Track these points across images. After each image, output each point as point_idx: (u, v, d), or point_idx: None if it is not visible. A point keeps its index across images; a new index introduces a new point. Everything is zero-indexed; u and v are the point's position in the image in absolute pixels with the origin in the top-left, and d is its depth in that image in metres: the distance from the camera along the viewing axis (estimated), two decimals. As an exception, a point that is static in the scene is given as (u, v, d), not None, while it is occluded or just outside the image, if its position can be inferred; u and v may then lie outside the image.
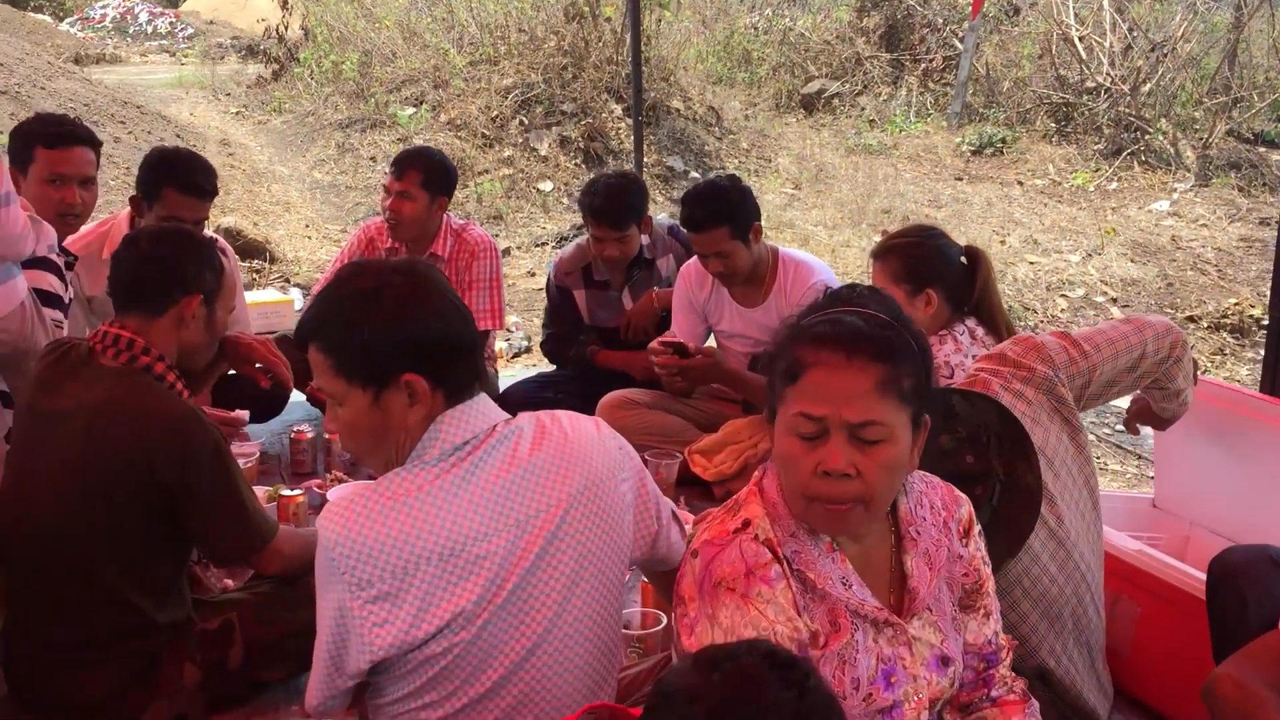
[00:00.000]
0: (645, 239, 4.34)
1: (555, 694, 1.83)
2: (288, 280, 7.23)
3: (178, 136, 9.67)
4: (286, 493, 3.37)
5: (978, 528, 1.90)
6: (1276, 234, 2.63)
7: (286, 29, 12.35)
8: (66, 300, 3.30)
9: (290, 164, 9.93)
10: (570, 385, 4.38)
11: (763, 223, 3.83)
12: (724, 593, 1.66)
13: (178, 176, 3.62)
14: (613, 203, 4.11)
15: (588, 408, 4.09)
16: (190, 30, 18.78)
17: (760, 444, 3.78)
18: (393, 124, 10.02)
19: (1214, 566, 2.13)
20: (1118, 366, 2.46)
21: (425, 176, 4.20)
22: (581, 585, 1.84)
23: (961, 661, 1.84)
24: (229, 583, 2.85)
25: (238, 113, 11.85)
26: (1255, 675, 1.83)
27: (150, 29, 19.01)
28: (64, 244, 3.40)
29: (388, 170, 4.31)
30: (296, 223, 8.56)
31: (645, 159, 9.69)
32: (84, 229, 3.74)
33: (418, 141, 9.66)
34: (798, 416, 1.63)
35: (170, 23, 19.26)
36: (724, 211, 3.70)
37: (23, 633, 2.45)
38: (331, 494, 3.55)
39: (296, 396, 4.36)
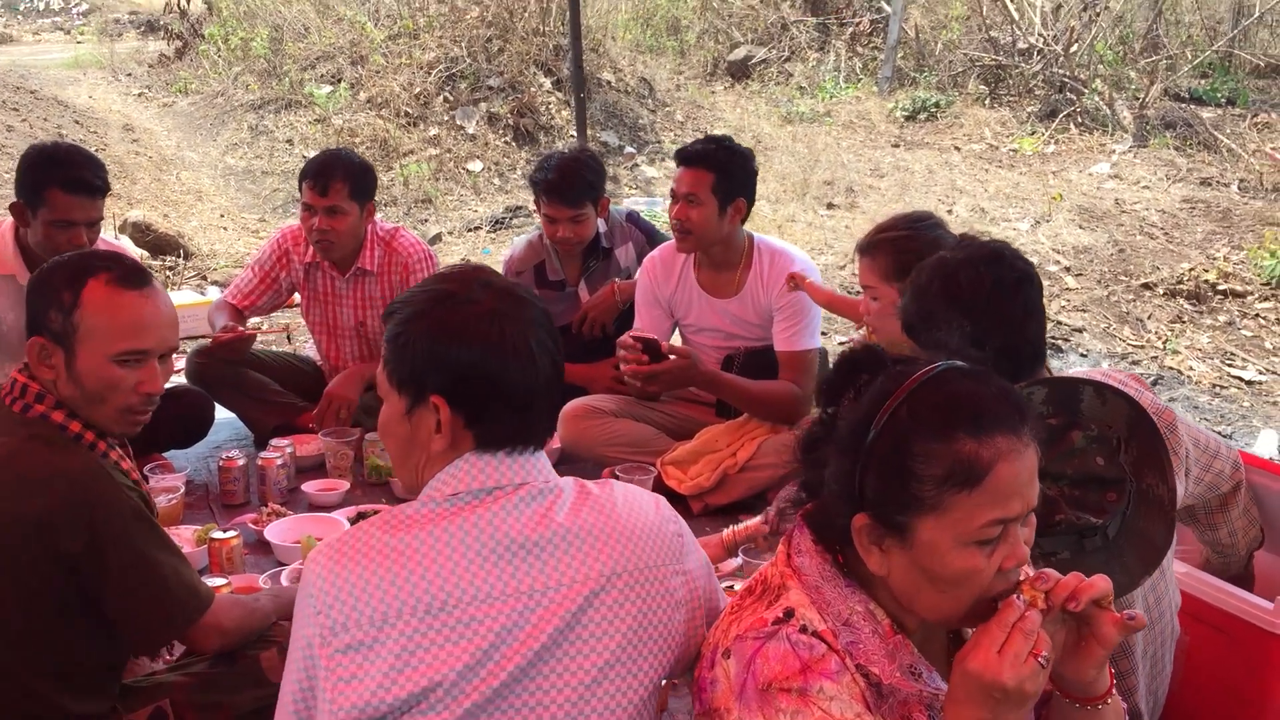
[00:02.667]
0: (602, 225, 4.01)
1: None
2: (204, 278, 6.75)
3: (77, 123, 9.06)
4: (218, 535, 3.00)
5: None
6: None
7: (189, 3, 11.69)
8: None
9: (200, 149, 9.36)
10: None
11: None
12: (777, 695, 1.36)
13: (61, 174, 3.22)
14: (567, 178, 3.79)
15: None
16: (85, 6, 17.83)
17: (739, 453, 3.49)
18: (309, 104, 9.49)
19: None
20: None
21: (352, 186, 3.76)
22: (606, 685, 1.51)
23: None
24: (155, 663, 2.47)
25: (140, 94, 11.19)
26: None
27: (43, 5, 18.03)
28: None
29: (305, 183, 3.81)
30: (210, 213, 8.05)
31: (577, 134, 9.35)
32: None
33: (337, 122, 9.17)
34: (987, 527, 1.35)
35: (62, -2, 18.29)
36: (721, 160, 3.44)
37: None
38: (269, 532, 3.18)
39: (223, 414, 3.99)
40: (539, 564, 1.50)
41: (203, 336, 4.21)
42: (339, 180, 3.74)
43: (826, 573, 1.46)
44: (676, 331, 3.85)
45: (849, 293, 6.65)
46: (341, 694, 1.43)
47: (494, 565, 1.48)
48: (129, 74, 11.94)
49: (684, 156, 3.49)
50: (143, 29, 14.74)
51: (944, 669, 1.48)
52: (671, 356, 3.37)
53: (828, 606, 1.43)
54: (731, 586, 2.27)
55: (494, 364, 1.52)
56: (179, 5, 11.66)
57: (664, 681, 1.58)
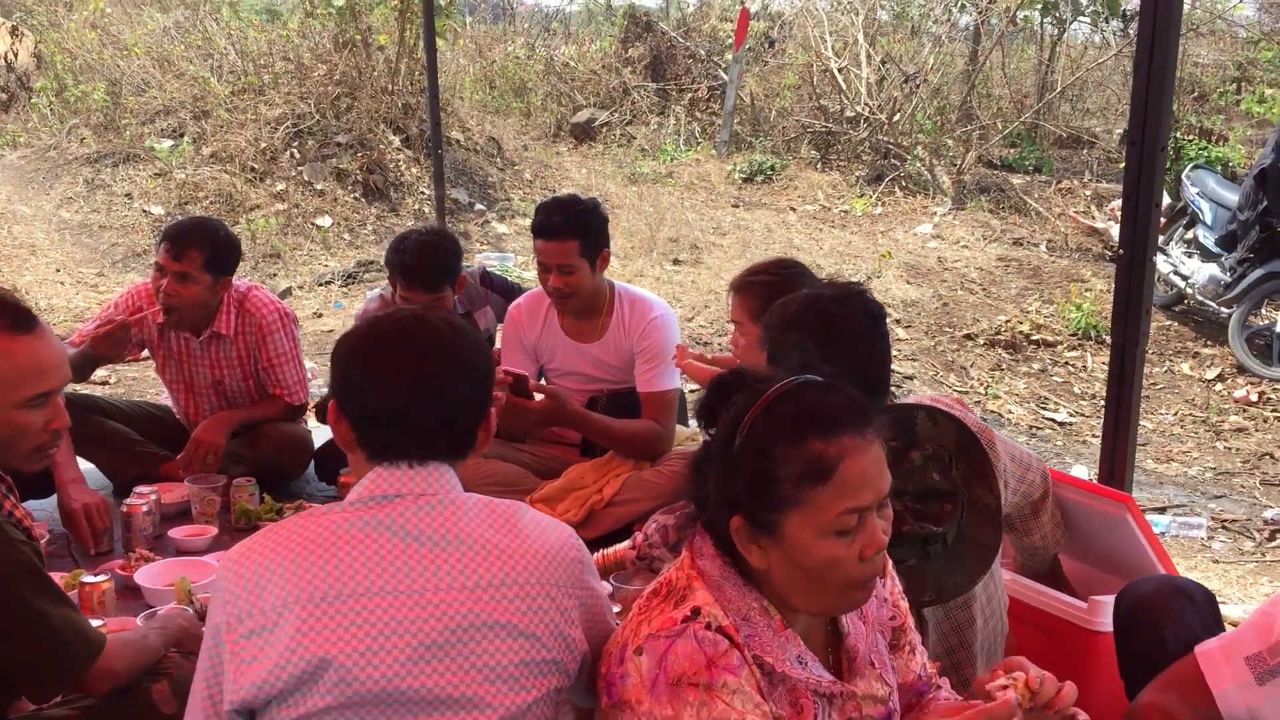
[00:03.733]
0: (458, 299, 4.08)
1: None
2: (44, 331, 6.55)
3: (-103, 175, 8.68)
4: (89, 579, 2.98)
5: (890, 563, 1.84)
6: (1111, 322, 2.70)
7: (16, 57, 11.33)
8: None
9: (33, 203, 9.06)
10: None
11: None
12: (685, 689, 1.51)
13: None
14: (425, 261, 3.72)
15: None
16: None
17: (605, 489, 3.65)
18: (150, 157, 9.31)
19: (1123, 598, 2.16)
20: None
21: (208, 256, 3.72)
22: (495, 687, 1.62)
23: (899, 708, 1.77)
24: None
25: (-37, 147, 10.77)
26: (1180, 702, 1.84)
27: None
28: None
29: (161, 244, 3.78)
30: (46, 267, 7.82)
31: (428, 191, 9.45)
32: None
33: (180, 176, 9.03)
34: (842, 516, 1.53)
35: None
36: (580, 225, 3.56)
37: None
38: (139, 576, 3.17)
39: (81, 464, 3.91)
40: (432, 563, 1.62)
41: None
42: (195, 249, 3.71)
43: (726, 573, 1.62)
44: (541, 377, 4.00)
45: (695, 343, 6.95)
46: (244, 674, 1.57)
47: (389, 560, 1.61)
48: (-52, 126, 11.48)
49: (546, 231, 3.58)
50: (-40, 80, 14.17)
51: (823, 658, 1.67)
52: (539, 396, 3.52)
53: (729, 603, 1.59)
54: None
55: (364, 380, 1.70)
56: (5, 59, 11.29)
57: (556, 691, 1.71)
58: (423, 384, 1.68)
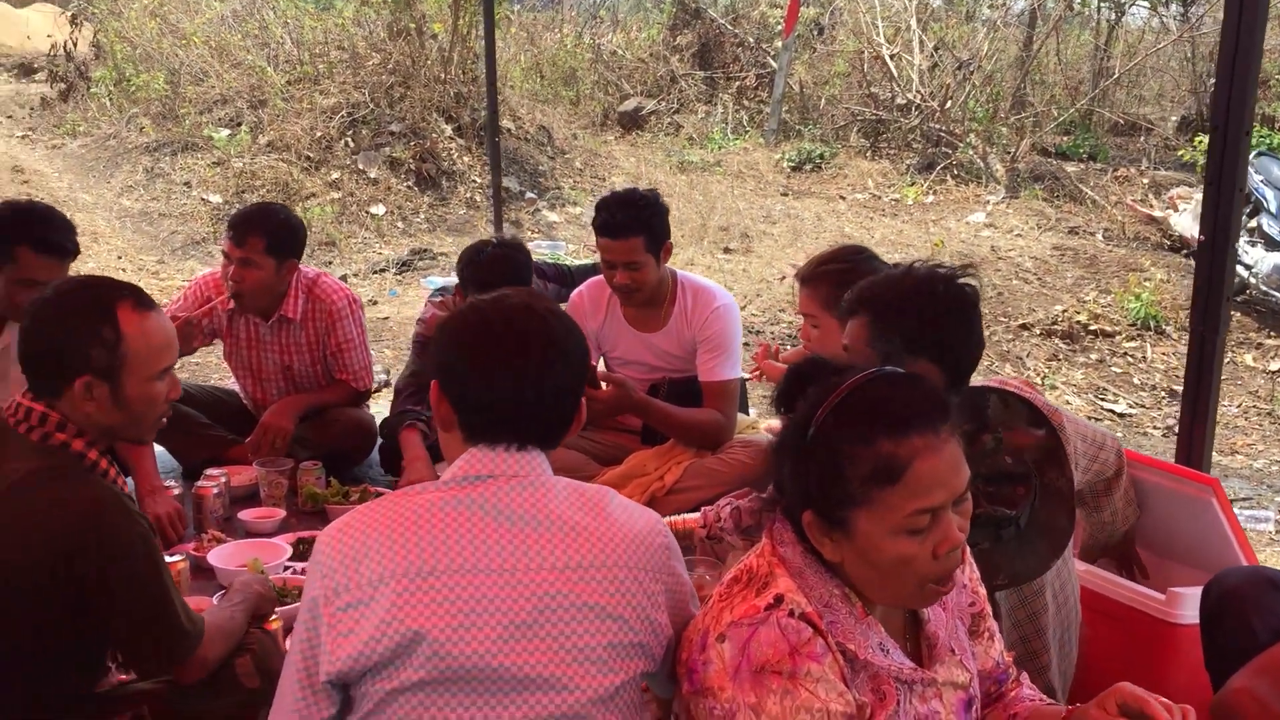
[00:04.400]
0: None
1: None
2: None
3: (-37, 164, 8.85)
4: (166, 559, 3.03)
5: (967, 548, 1.83)
6: (1191, 307, 2.65)
7: (76, 46, 11.50)
8: None
9: (94, 191, 9.22)
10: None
11: None
12: (769, 677, 1.52)
13: (34, 234, 3.21)
14: (500, 275, 3.55)
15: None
16: (-49, 48, 17.28)
17: (666, 476, 3.67)
18: (208, 146, 9.44)
19: (1211, 589, 2.14)
20: None
21: (269, 242, 3.78)
22: (583, 668, 1.64)
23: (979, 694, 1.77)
24: (123, 675, 2.51)
25: (24, 136, 10.95)
26: (1273, 687, 1.82)
27: (-95, 46, 17.39)
28: None
29: (225, 232, 3.87)
30: (108, 255, 7.95)
31: (479, 180, 9.50)
32: None
33: (237, 165, 9.14)
34: (914, 516, 1.52)
35: (-74, 40, 17.67)
36: (644, 221, 3.57)
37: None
38: (212, 557, 3.23)
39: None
40: (523, 542, 1.65)
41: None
42: (256, 235, 3.77)
43: (807, 560, 1.62)
44: (602, 363, 4.02)
45: (748, 330, 6.93)
46: (340, 646, 1.60)
47: (481, 539, 1.64)
48: (9, 115, 11.67)
49: (610, 229, 3.57)
50: (16, 71, 14.39)
51: (902, 645, 1.67)
52: (604, 385, 3.54)
53: (811, 590, 1.59)
54: None
55: (466, 366, 1.73)
56: (65, 49, 11.46)
57: (642, 676, 1.72)
58: (529, 372, 1.70)
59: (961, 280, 2.32)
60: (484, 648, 1.60)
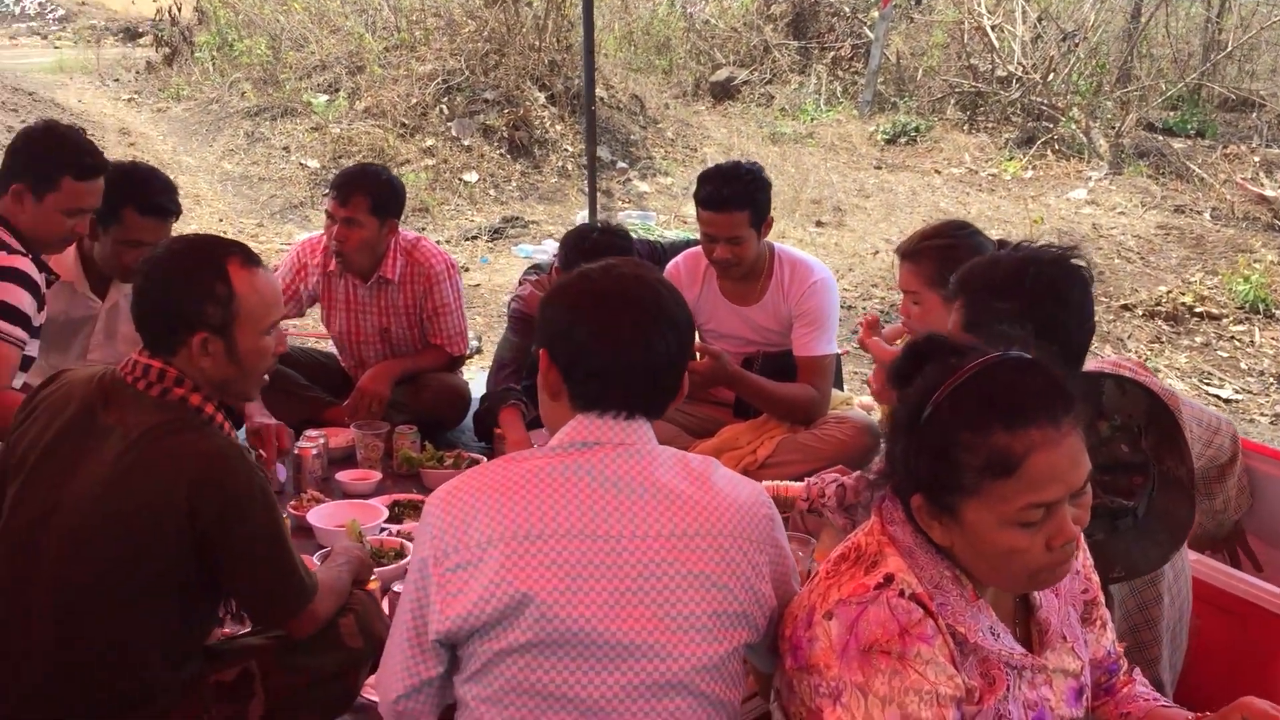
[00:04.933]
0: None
1: None
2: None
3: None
4: (267, 518, 3.10)
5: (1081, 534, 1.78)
6: None
7: (179, 11, 11.75)
8: (36, 323, 3.00)
9: (196, 154, 9.44)
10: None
11: (694, 214, 3.63)
12: (877, 657, 1.50)
13: (139, 196, 3.27)
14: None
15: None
16: (61, 12, 17.76)
17: (759, 450, 3.65)
18: (306, 112, 9.59)
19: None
20: None
21: (373, 201, 3.83)
22: (689, 636, 1.64)
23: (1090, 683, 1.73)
24: (226, 631, 2.57)
25: (130, 100, 11.23)
26: None
27: (18, 9, 17.94)
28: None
29: (330, 192, 3.94)
30: (209, 217, 8.13)
31: (571, 149, 9.51)
32: None
33: (334, 131, 9.27)
34: (1027, 510, 1.47)
35: (40, 4, 18.19)
36: (748, 195, 3.52)
37: (7, 686, 2.14)
38: (311, 516, 3.29)
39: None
40: (629, 509, 1.65)
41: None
42: (360, 195, 3.82)
43: (917, 540, 1.59)
44: (696, 336, 4.00)
45: (841, 306, 6.84)
46: (449, 606, 1.63)
47: (588, 505, 1.64)
48: (116, 79, 11.98)
49: (715, 202, 3.52)
50: (122, 35, 14.76)
51: (1014, 631, 1.63)
52: (700, 357, 3.50)
53: (922, 571, 1.56)
54: None
55: (580, 333, 1.72)
56: (170, 13, 11.72)
57: (744, 647, 1.71)
58: (642, 341, 1.70)
59: (1073, 260, 2.24)
60: (590, 612, 1.60)
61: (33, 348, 3.05)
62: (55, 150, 3.04)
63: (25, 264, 2.96)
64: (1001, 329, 1.96)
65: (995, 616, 1.59)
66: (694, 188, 3.66)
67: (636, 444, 1.71)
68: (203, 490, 2.01)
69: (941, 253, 2.81)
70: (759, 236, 3.61)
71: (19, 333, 2.92)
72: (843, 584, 1.59)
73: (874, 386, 3.02)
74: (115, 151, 8.89)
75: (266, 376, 2.29)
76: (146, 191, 3.33)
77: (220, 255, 2.14)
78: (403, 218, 4.10)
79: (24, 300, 2.92)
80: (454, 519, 1.65)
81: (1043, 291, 2.12)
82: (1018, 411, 1.48)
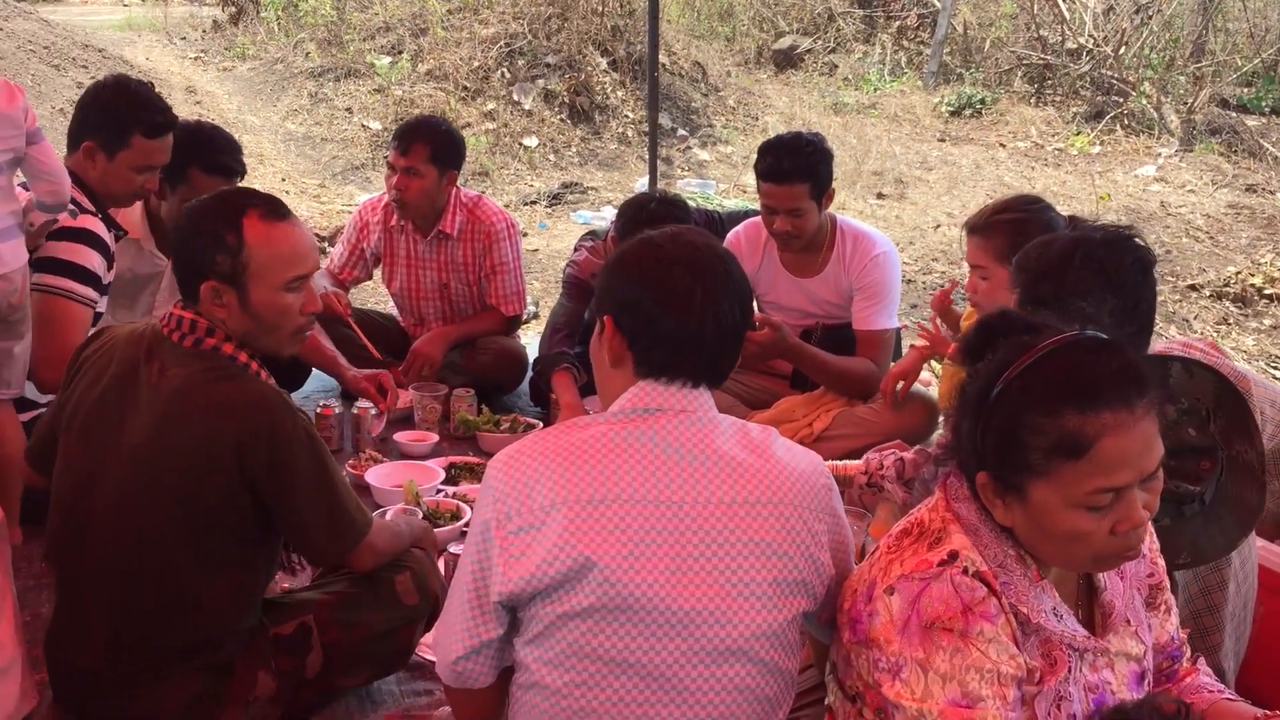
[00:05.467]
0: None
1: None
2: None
3: (141, 83, 9.21)
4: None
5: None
6: None
7: (260, -30, 11.84)
8: (105, 281, 3.05)
9: (261, 114, 9.53)
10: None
11: (754, 184, 3.59)
12: (939, 634, 1.49)
13: (205, 155, 3.33)
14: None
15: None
16: (131, -30, 17.96)
17: (815, 423, 3.63)
18: (370, 73, 9.64)
19: None
20: None
21: (433, 150, 3.90)
22: (748, 603, 1.64)
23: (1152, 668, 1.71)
24: (286, 585, 2.62)
25: (197, 58, 11.35)
26: None
27: (89, -33, 18.15)
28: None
29: (391, 144, 4.03)
30: (273, 177, 8.21)
31: (631, 115, 9.47)
32: None
33: (396, 93, 9.31)
34: (1094, 494, 1.45)
35: (110, -39, 18.39)
36: (810, 167, 3.49)
37: (77, 643, 2.21)
38: (370, 476, 3.33)
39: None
40: (690, 476, 1.65)
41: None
42: (420, 143, 3.89)
43: (982, 518, 1.57)
44: (755, 306, 3.98)
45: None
46: (512, 568, 1.64)
47: (650, 471, 1.65)
48: (183, 38, 12.11)
49: (776, 175, 3.49)
50: (190, -7, 14.90)
51: (1076, 613, 1.61)
52: (760, 327, 3.48)
53: (986, 549, 1.55)
54: None
55: (649, 300, 1.71)
56: (238, -29, 11.82)
57: (802, 616, 1.71)
58: (708, 308, 1.70)
59: (1137, 241, 2.20)
60: (652, 578, 1.61)
61: (101, 304, 3.11)
62: (126, 107, 3.06)
63: (95, 224, 3.01)
64: (1076, 305, 1.93)
65: (1059, 597, 1.58)
66: (754, 158, 3.63)
67: (698, 411, 1.71)
68: (248, 440, 2.04)
69: (1011, 228, 2.77)
70: (820, 209, 3.57)
71: (91, 293, 2.97)
72: (905, 559, 1.58)
73: (972, 291, 2.92)
74: (182, 110, 8.96)
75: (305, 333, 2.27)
76: (212, 150, 3.38)
77: (238, 206, 2.15)
78: (462, 181, 4.13)
79: (94, 261, 2.98)
80: (517, 483, 1.66)
81: (1092, 273, 2.09)
82: (1090, 393, 1.45)
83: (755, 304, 3.95)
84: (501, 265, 4.10)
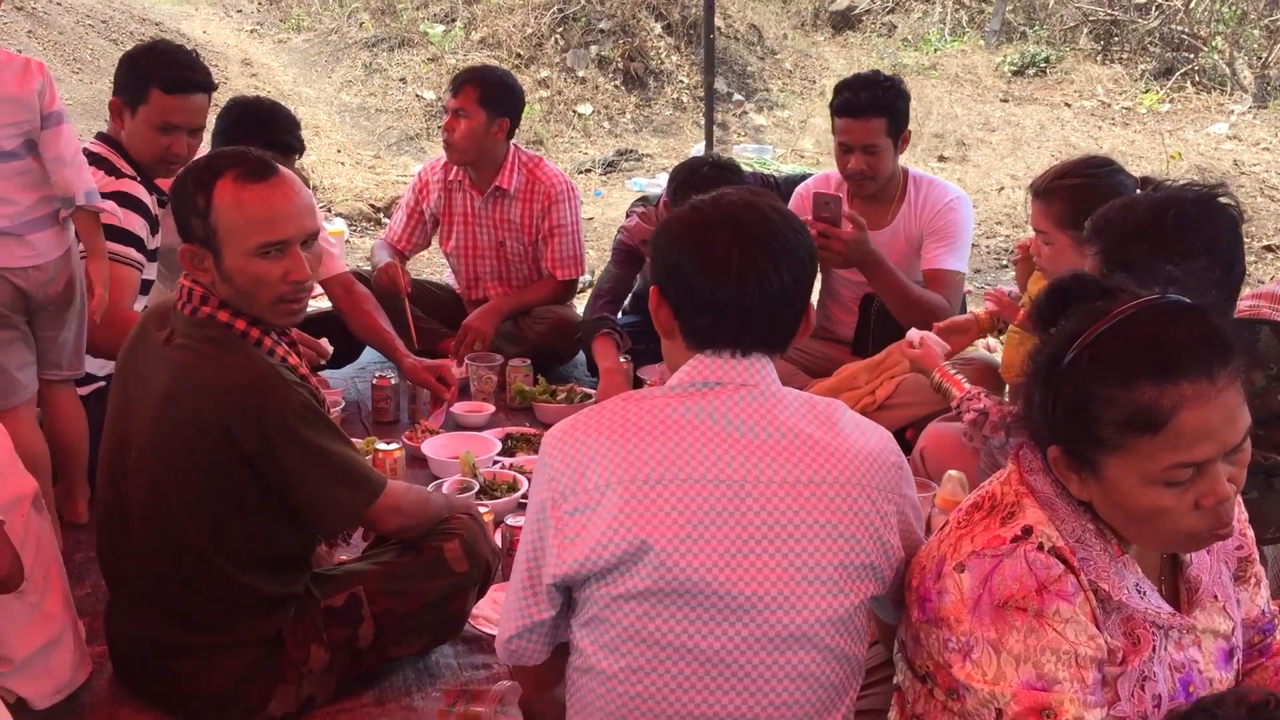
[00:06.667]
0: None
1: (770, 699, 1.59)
2: (328, 209, 6.92)
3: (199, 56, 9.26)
4: (383, 447, 3.13)
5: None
6: None
7: (300, -57, 11.84)
8: (151, 245, 3.04)
9: (316, 85, 9.54)
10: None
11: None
12: (1012, 613, 1.41)
13: (263, 132, 3.29)
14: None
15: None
16: (191, -56, 18.07)
17: (878, 391, 3.53)
18: (423, 42, 9.61)
19: None
20: None
21: (482, 92, 3.87)
22: (814, 588, 1.57)
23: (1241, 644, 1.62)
24: (342, 557, 2.61)
25: (252, 30, 11.38)
26: None
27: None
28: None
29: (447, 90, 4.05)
30: (328, 148, 8.22)
31: (686, 80, 9.35)
32: None
33: (450, 61, 9.28)
34: (1173, 469, 1.36)
35: (169, -64, 18.52)
36: (888, 102, 3.40)
37: (126, 614, 2.23)
38: (426, 447, 3.31)
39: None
40: (753, 453, 1.57)
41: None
42: (470, 85, 3.88)
43: (1057, 490, 1.49)
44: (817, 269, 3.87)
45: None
46: (566, 550, 1.58)
47: (709, 448, 1.57)
48: (239, 10, 12.14)
49: (852, 108, 3.41)
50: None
51: (1160, 588, 1.53)
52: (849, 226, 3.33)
53: (1063, 524, 1.47)
54: None
55: (690, 266, 1.63)
56: (291, -56, 11.81)
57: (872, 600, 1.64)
58: (750, 272, 1.60)
59: (1220, 199, 2.09)
60: (711, 561, 1.55)
61: (150, 270, 3.10)
62: (146, 61, 3.03)
63: (133, 186, 3.00)
64: (1165, 268, 1.83)
65: (1141, 573, 1.50)
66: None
67: (759, 384, 1.63)
68: (235, 422, 2.00)
69: (1077, 192, 2.65)
70: (895, 150, 3.49)
71: (134, 254, 2.96)
72: (976, 535, 1.50)
73: (1037, 255, 2.82)
74: (239, 82, 9.04)
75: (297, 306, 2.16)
76: (271, 128, 3.35)
77: (217, 168, 2.06)
78: (518, 142, 4.09)
79: (135, 223, 2.96)
80: (571, 461, 1.61)
81: (1187, 234, 1.98)
82: (1167, 363, 1.36)
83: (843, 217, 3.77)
84: (560, 228, 4.06)
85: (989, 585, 1.44)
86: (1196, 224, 1.99)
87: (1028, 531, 1.46)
